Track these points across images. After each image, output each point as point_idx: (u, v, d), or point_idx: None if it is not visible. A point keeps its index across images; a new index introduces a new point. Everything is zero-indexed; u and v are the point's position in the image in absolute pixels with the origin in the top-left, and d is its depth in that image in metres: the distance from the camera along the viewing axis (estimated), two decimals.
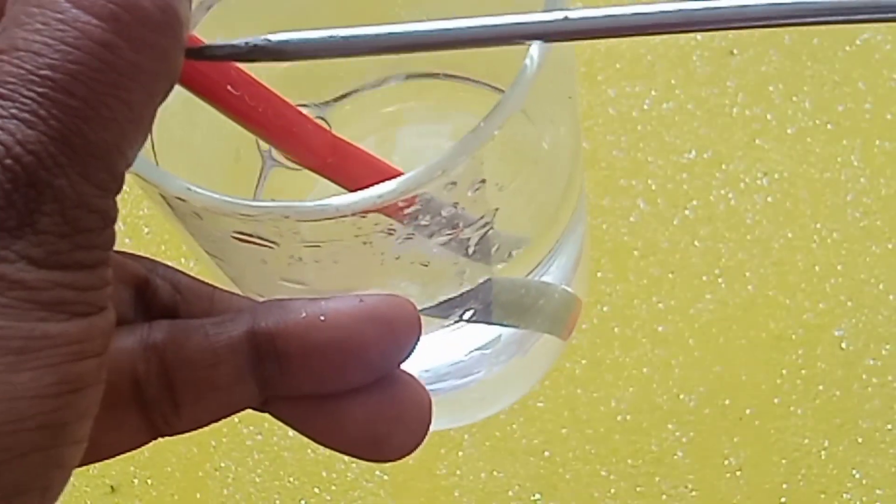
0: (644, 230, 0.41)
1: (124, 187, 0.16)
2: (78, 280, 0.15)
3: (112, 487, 0.40)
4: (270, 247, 0.19)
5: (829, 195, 0.41)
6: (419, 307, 0.19)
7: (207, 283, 0.19)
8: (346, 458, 0.40)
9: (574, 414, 0.39)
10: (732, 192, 0.41)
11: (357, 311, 0.18)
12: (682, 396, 0.39)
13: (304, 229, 0.18)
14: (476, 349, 0.27)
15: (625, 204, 0.41)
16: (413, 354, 0.19)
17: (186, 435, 0.38)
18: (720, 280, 0.40)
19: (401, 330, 0.18)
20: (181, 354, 0.18)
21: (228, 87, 0.19)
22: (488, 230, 0.21)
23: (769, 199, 0.41)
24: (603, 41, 0.43)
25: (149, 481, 0.40)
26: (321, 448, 0.36)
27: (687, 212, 0.41)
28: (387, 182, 0.18)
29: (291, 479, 0.39)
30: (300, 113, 0.21)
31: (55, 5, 0.14)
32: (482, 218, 0.20)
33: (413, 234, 0.19)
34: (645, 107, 0.42)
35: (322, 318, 0.18)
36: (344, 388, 0.18)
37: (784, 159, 0.41)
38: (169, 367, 0.18)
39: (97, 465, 0.40)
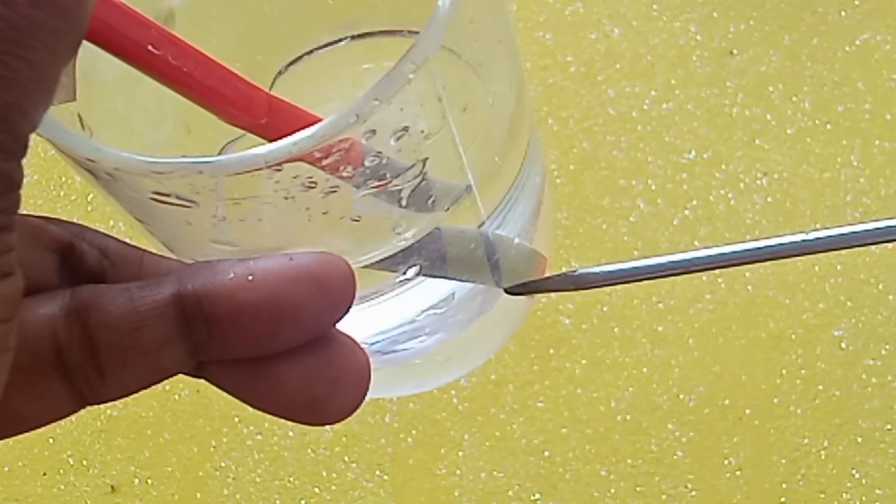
0: (644, 230, 0.41)
1: None
2: None
3: (112, 487, 0.40)
4: (190, 206, 0.18)
5: (829, 195, 0.41)
6: (357, 264, 0.18)
7: (137, 247, 0.19)
8: (347, 457, 0.40)
9: (574, 414, 0.39)
10: (732, 193, 0.41)
11: (287, 270, 0.17)
12: (681, 396, 0.39)
13: (219, 185, 0.18)
14: (428, 308, 0.26)
15: (625, 204, 0.41)
16: (360, 319, 0.18)
17: (187, 435, 0.38)
18: (720, 280, 0.40)
19: (333, 288, 0.17)
20: (104, 318, 0.17)
21: (149, 48, 0.18)
22: (421, 181, 0.20)
23: (769, 199, 0.41)
24: (602, 40, 0.43)
25: (149, 481, 0.40)
26: (321, 448, 0.36)
27: (687, 212, 0.41)
28: (300, 131, 0.17)
29: (291, 479, 0.39)
30: (231, 72, 0.20)
31: None
32: (411, 168, 0.20)
33: (337, 187, 0.19)
34: (645, 107, 0.42)
35: (250, 277, 0.17)
36: (277, 350, 0.18)
37: (784, 159, 0.41)
38: (92, 332, 0.17)
39: (97, 464, 0.40)
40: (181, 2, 0.24)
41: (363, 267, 0.22)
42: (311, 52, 0.27)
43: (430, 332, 0.27)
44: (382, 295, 0.24)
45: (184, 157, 0.18)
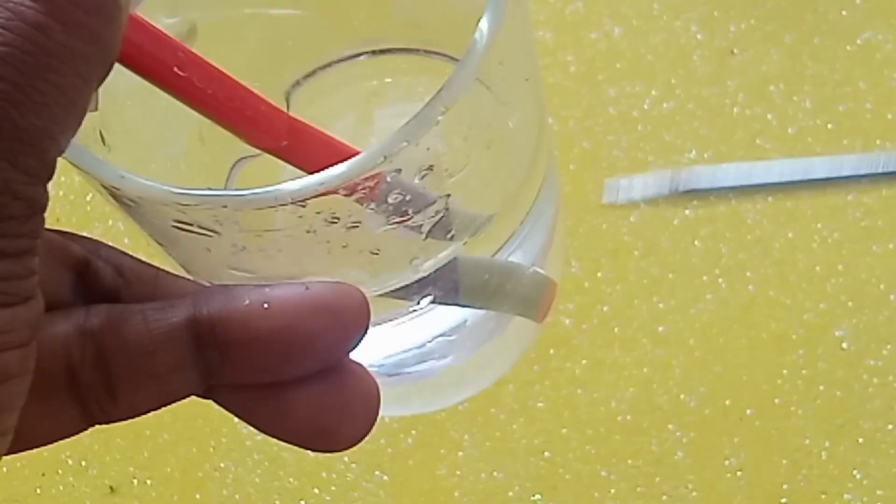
0: (644, 230, 0.41)
1: None
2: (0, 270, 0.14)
3: (112, 488, 0.40)
4: (211, 236, 0.19)
5: (830, 195, 0.41)
6: (372, 293, 0.18)
7: (152, 266, 0.19)
8: (346, 458, 0.40)
9: (574, 414, 0.39)
10: (732, 192, 0.41)
11: (302, 300, 0.17)
12: (682, 397, 0.39)
13: (242, 218, 0.18)
14: (440, 335, 0.26)
15: (625, 204, 0.41)
16: (370, 342, 0.18)
17: (186, 435, 0.38)
18: (720, 280, 0.40)
19: (348, 319, 0.18)
20: (118, 340, 0.17)
21: (175, 69, 0.19)
22: (441, 217, 0.20)
23: (769, 199, 0.41)
24: (603, 39, 0.43)
25: (148, 482, 0.40)
26: None
27: (687, 212, 0.41)
28: (327, 170, 0.17)
29: (291, 480, 0.39)
30: (254, 94, 0.20)
31: None
32: (433, 204, 0.20)
33: (359, 222, 0.19)
34: (645, 107, 0.42)
35: (265, 305, 0.17)
36: (288, 377, 0.18)
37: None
38: (105, 354, 0.17)
39: (96, 465, 0.40)
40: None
41: (377, 296, 0.22)
42: (327, 65, 0.27)
43: (439, 357, 0.27)
44: (394, 321, 0.24)
45: (207, 188, 0.18)
